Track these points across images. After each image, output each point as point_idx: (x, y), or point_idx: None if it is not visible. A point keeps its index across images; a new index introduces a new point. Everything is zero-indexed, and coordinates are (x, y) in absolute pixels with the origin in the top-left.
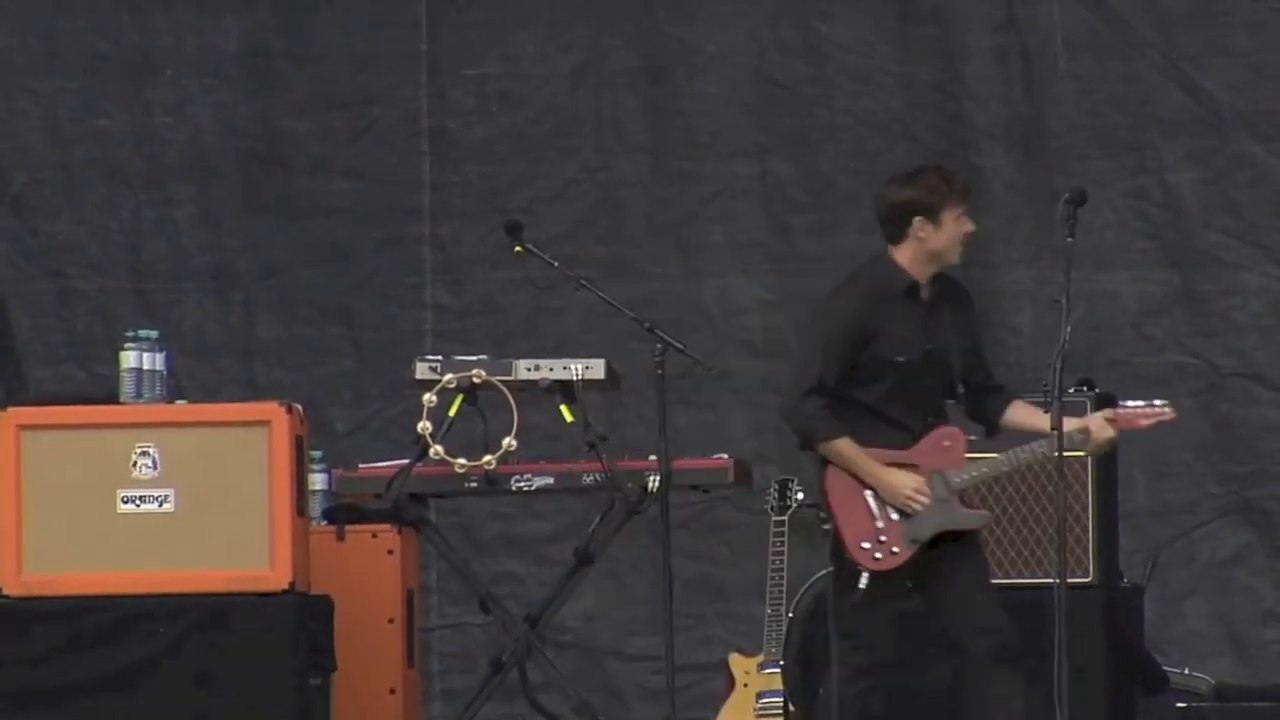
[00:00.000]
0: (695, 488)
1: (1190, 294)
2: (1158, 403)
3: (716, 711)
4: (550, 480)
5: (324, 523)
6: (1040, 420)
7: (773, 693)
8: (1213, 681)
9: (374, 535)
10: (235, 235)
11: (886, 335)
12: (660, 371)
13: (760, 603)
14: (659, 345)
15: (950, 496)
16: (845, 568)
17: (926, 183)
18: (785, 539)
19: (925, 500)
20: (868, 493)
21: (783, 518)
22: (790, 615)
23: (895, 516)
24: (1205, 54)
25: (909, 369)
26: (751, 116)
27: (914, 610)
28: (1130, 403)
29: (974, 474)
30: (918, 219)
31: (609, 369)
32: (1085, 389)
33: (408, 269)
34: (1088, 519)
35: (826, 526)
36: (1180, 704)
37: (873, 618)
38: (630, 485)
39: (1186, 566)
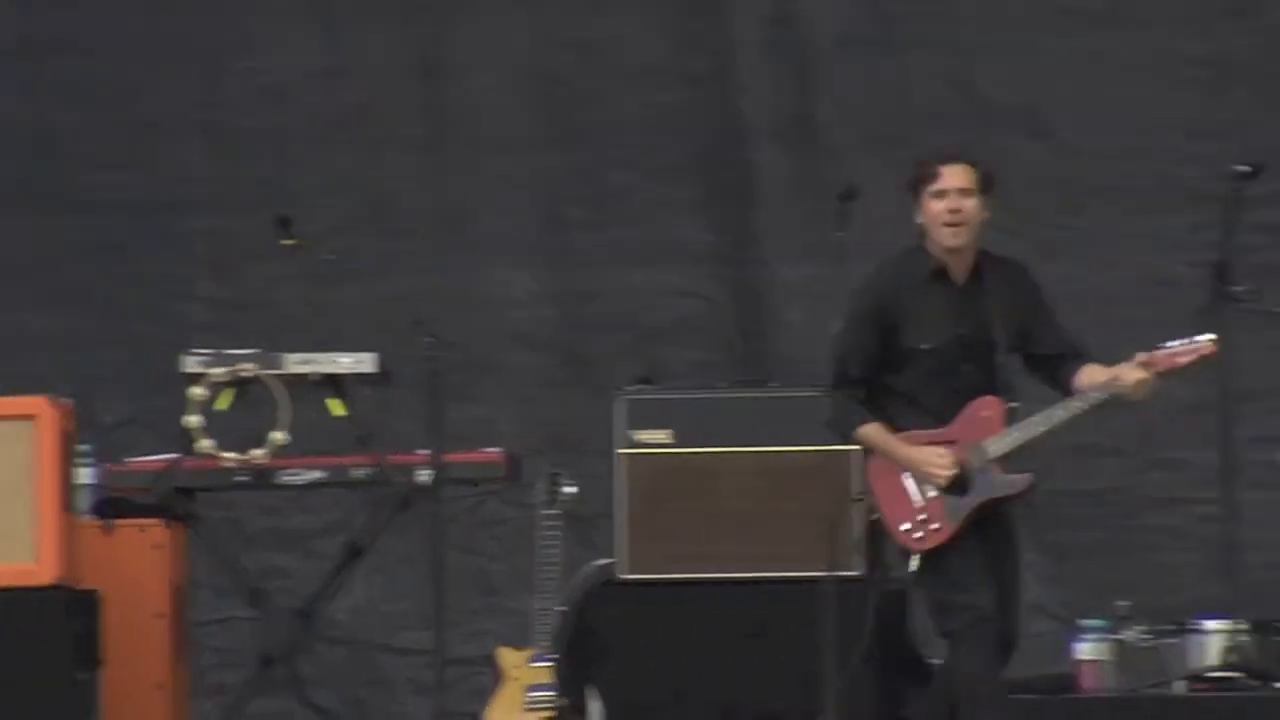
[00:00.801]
0: (466, 481)
1: None
2: (1199, 339)
3: (486, 705)
4: (320, 474)
5: (92, 517)
6: (1103, 376)
7: (542, 686)
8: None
9: (142, 530)
10: (4, 227)
11: (912, 323)
12: (432, 366)
13: (530, 596)
14: (430, 339)
15: (989, 466)
16: (894, 553)
17: (915, 165)
18: (555, 532)
19: (946, 469)
20: (905, 476)
21: (553, 511)
22: (560, 609)
23: (934, 494)
24: (976, 49)
25: (940, 355)
26: (525, 111)
27: None
28: (1170, 342)
29: (1010, 439)
30: (915, 203)
31: (379, 363)
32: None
33: (179, 262)
34: (851, 515)
35: (874, 516)
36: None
37: (954, 583)
38: (401, 479)
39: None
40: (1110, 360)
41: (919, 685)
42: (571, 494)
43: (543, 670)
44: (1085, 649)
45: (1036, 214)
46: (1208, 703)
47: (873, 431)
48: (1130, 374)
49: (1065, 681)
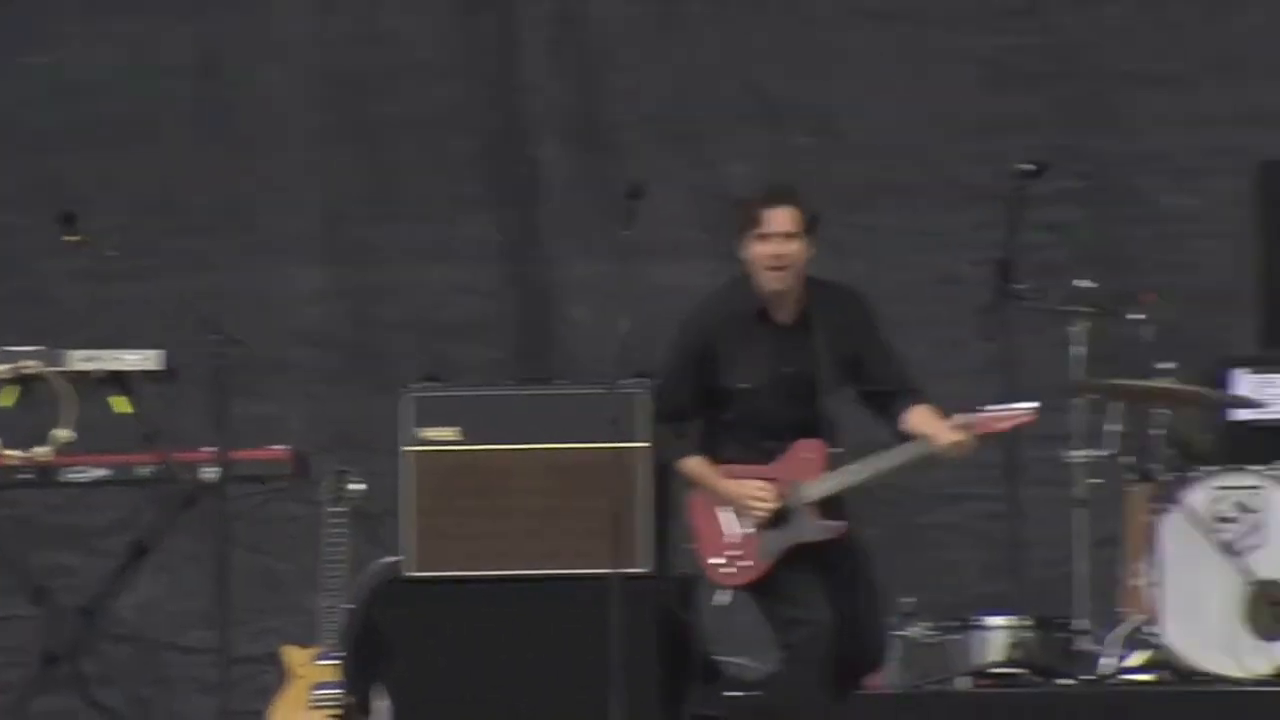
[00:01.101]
0: (252, 479)
1: None
2: (1019, 406)
3: (271, 703)
4: (106, 472)
5: None
6: (928, 426)
7: (328, 684)
8: (764, 670)
9: None
10: None
11: (732, 363)
12: (218, 362)
13: (316, 594)
14: (217, 336)
15: (805, 509)
16: (706, 584)
17: (740, 206)
18: (342, 530)
19: (766, 504)
20: (721, 510)
21: (339, 508)
22: (346, 607)
23: (749, 530)
24: (763, 48)
25: (760, 395)
26: (313, 107)
27: None
28: (991, 407)
29: (827, 485)
30: (739, 243)
31: (165, 360)
32: (643, 380)
33: None
34: (644, 509)
35: (692, 547)
36: (730, 693)
37: (782, 602)
38: (187, 477)
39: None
40: (937, 393)
41: (705, 683)
42: (359, 491)
43: (329, 668)
44: None
45: (823, 213)
46: (991, 698)
47: (694, 465)
48: (947, 435)
49: None
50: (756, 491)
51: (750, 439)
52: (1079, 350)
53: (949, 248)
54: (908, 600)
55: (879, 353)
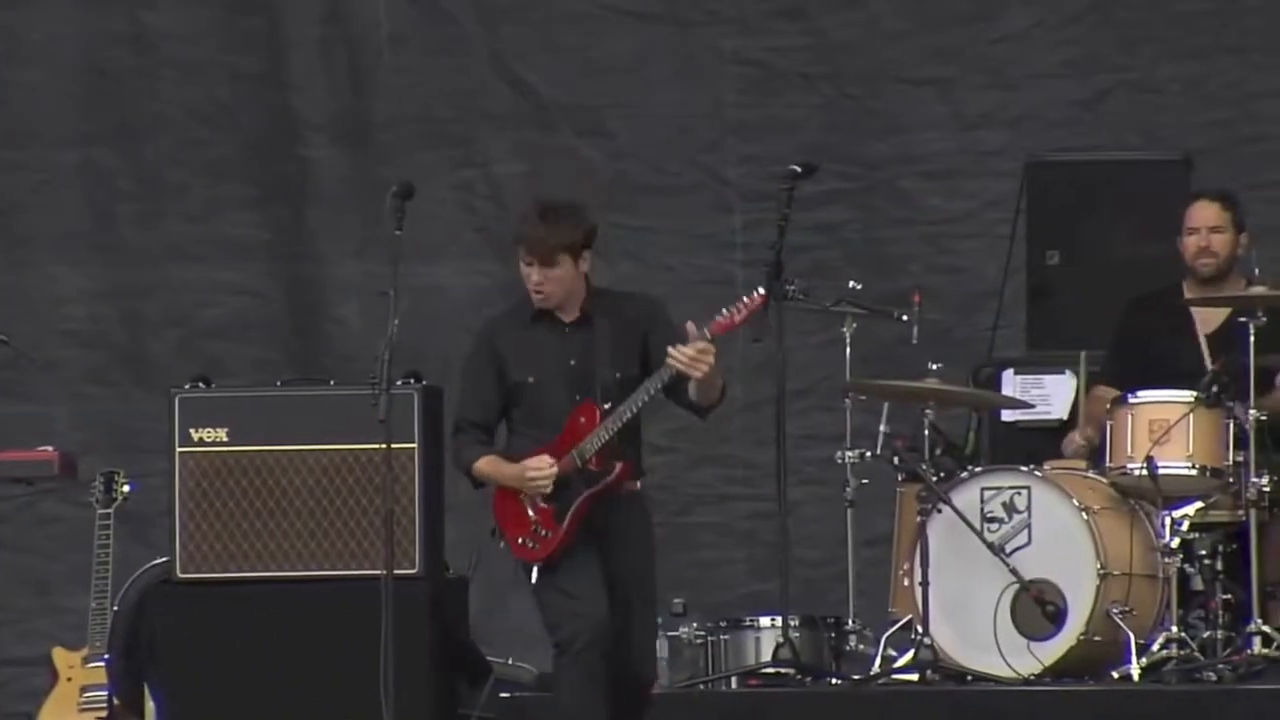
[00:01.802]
0: (19, 480)
1: (518, 286)
2: (747, 297)
3: (40, 705)
4: None
5: None
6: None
7: (97, 686)
8: (536, 671)
9: None
10: None
11: (518, 359)
12: None
13: (85, 596)
14: None
15: (587, 464)
16: (525, 569)
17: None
18: (111, 532)
19: (544, 471)
20: (521, 496)
21: (108, 510)
22: (115, 608)
23: (544, 504)
24: (530, 48)
25: (547, 388)
26: (76, 105)
27: None
28: (724, 310)
29: (599, 437)
30: None
31: None
32: (413, 381)
33: None
34: (415, 510)
35: (502, 544)
36: (503, 694)
37: (558, 597)
38: None
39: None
40: None
41: (477, 682)
42: (127, 493)
43: (98, 671)
44: None
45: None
46: (761, 698)
47: (483, 464)
48: (683, 350)
49: None
50: (532, 467)
51: (540, 435)
52: (848, 351)
53: (718, 248)
54: (677, 600)
55: (664, 340)
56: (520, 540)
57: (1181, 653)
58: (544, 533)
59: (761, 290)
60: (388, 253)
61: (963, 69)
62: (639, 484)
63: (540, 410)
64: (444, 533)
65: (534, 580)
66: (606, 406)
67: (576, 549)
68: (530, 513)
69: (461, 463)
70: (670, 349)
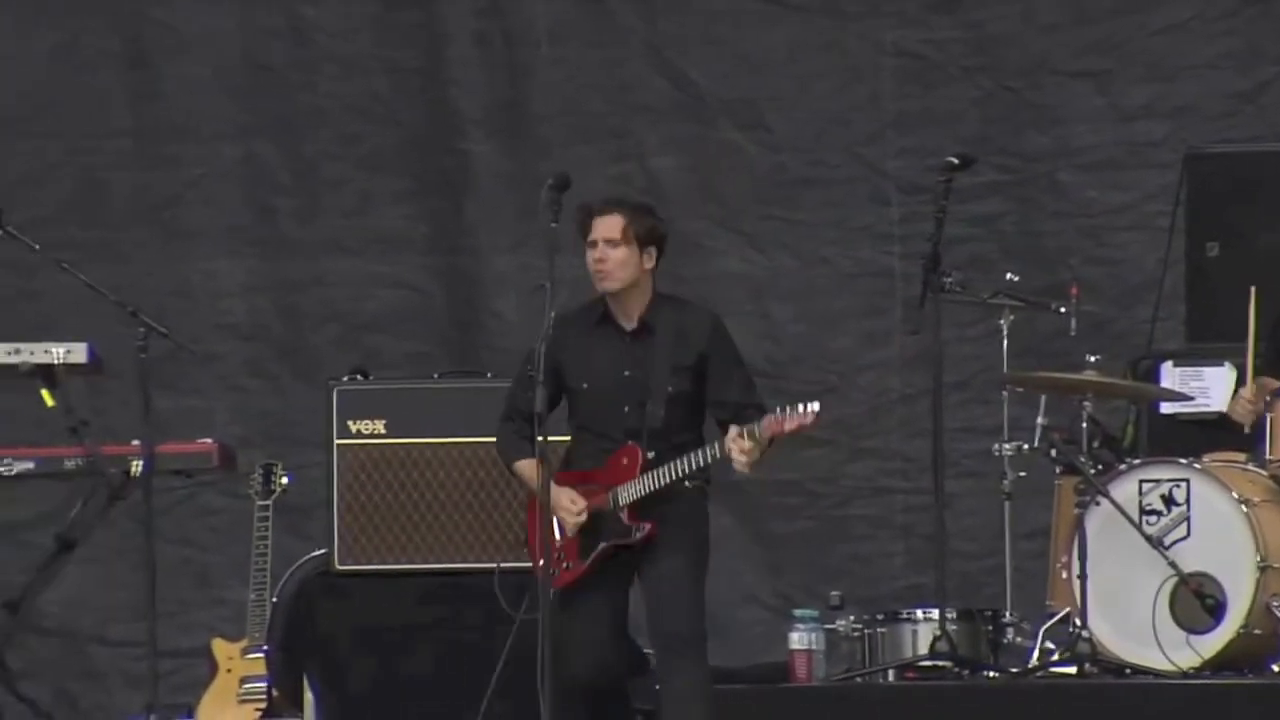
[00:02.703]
0: (179, 472)
1: (673, 279)
2: (803, 407)
3: (200, 697)
4: (31, 465)
5: None
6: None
7: (256, 677)
8: None
9: None
10: None
11: (575, 364)
12: (143, 355)
13: (244, 588)
14: (141, 329)
15: (618, 513)
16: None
17: (576, 211)
18: (269, 524)
19: (574, 514)
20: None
21: (267, 502)
22: (274, 600)
23: (571, 535)
24: (687, 42)
25: (599, 397)
26: (235, 99)
27: None
28: (779, 410)
29: (637, 488)
30: None
31: (92, 352)
32: None
33: None
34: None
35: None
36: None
37: (569, 630)
38: (113, 470)
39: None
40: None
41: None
42: (285, 485)
43: (257, 662)
44: (797, 638)
45: (748, 207)
46: (917, 691)
47: (525, 467)
48: (730, 441)
49: (778, 671)
50: (566, 501)
51: (592, 442)
52: (1005, 343)
53: (875, 240)
54: (834, 593)
55: (723, 365)
56: (541, 562)
57: None
58: (565, 563)
59: (816, 407)
60: (544, 246)
61: (1121, 61)
62: (689, 485)
63: (594, 417)
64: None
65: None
66: (651, 455)
67: (595, 584)
68: (557, 535)
69: (506, 455)
70: (733, 439)
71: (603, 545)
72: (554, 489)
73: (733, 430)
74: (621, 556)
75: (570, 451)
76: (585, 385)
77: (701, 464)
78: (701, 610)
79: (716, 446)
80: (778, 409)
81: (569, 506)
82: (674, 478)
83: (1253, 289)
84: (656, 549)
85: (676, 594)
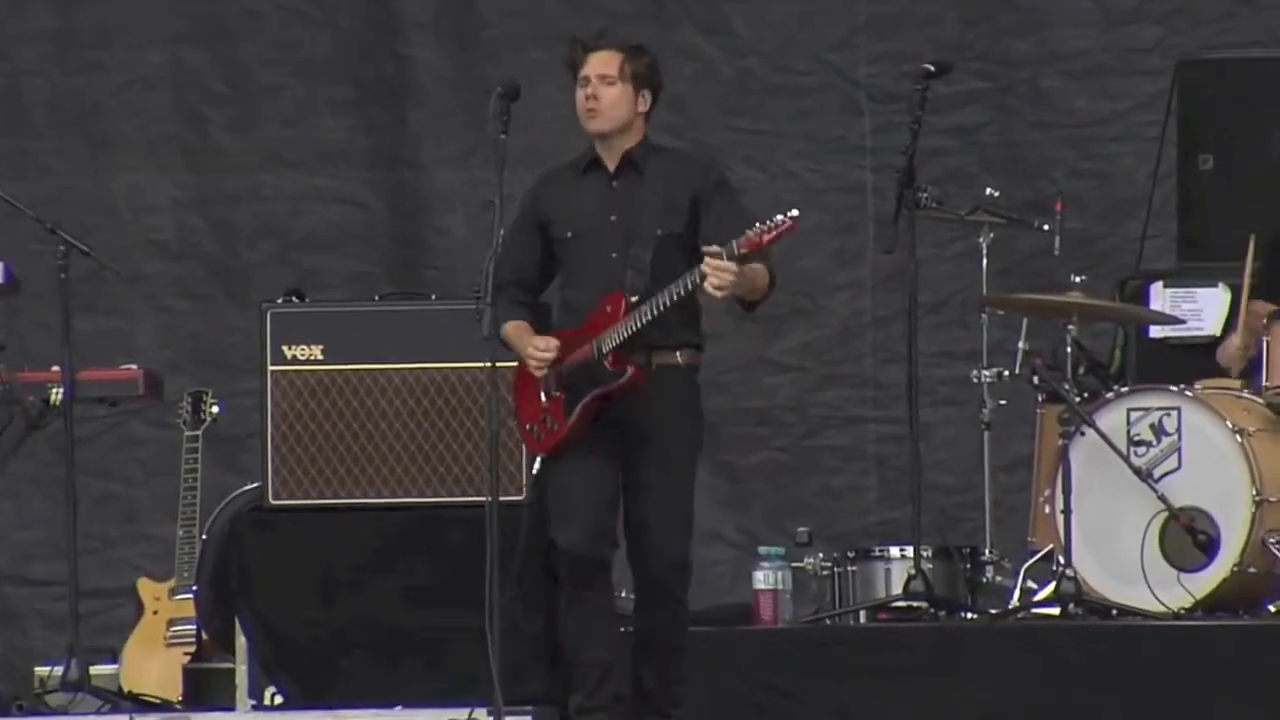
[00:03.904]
0: (102, 400)
1: None
2: (779, 217)
3: (125, 639)
4: None
5: None
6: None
7: (185, 619)
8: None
9: None
10: None
11: (560, 213)
12: (63, 275)
13: (172, 524)
14: (61, 247)
15: (602, 359)
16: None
17: (568, 46)
18: (199, 456)
19: (541, 356)
20: (538, 378)
21: (196, 432)
22: (204, 537)
23: (556, 392)
24: None
25: (585, 244)
26: (163, 2)
27: None
28: (757, 224)
29: (619, 333)
30: None
31: (7, 272)
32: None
33: None
34: (516, 437)
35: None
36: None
37: (560, 498)
38: (31, 399)
39: None
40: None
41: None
42: (216, 414)
43: (186, 603)
44: (762, 578)
45: (710, 117)
46: (891, 633)
47: (510, 329)
48: (705, 265)
49: (742, 613)
50: (535, 346)
51: (579, 298)
52: (985, 263)
53: (846, 153)
54: (802, 529)
55: (721, 205)
56: (529, 427)
57: None
58: (551, 424)
59: (795, 213)
60: (494, 159)
61: None
62: (680, 358)
63: (581, 268)
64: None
65: (535, 470)
66: (634, 299)
67: (587, 446)
68: (543, 398)
69: (494, 324)
70: (706, 259)
71: (587, 397)
72: (525, 339)
73: (707, 251)
74: (610, 428)
75: (561, 309)
76: (569, 234)
77: (682, 292)
78: (689, 528)
79: (697, 273)
80: (756, 222)
81: (539, 346)
82: (656, 312)
83: (1252, 238)
84: (645, 442)
85: (663, 510)
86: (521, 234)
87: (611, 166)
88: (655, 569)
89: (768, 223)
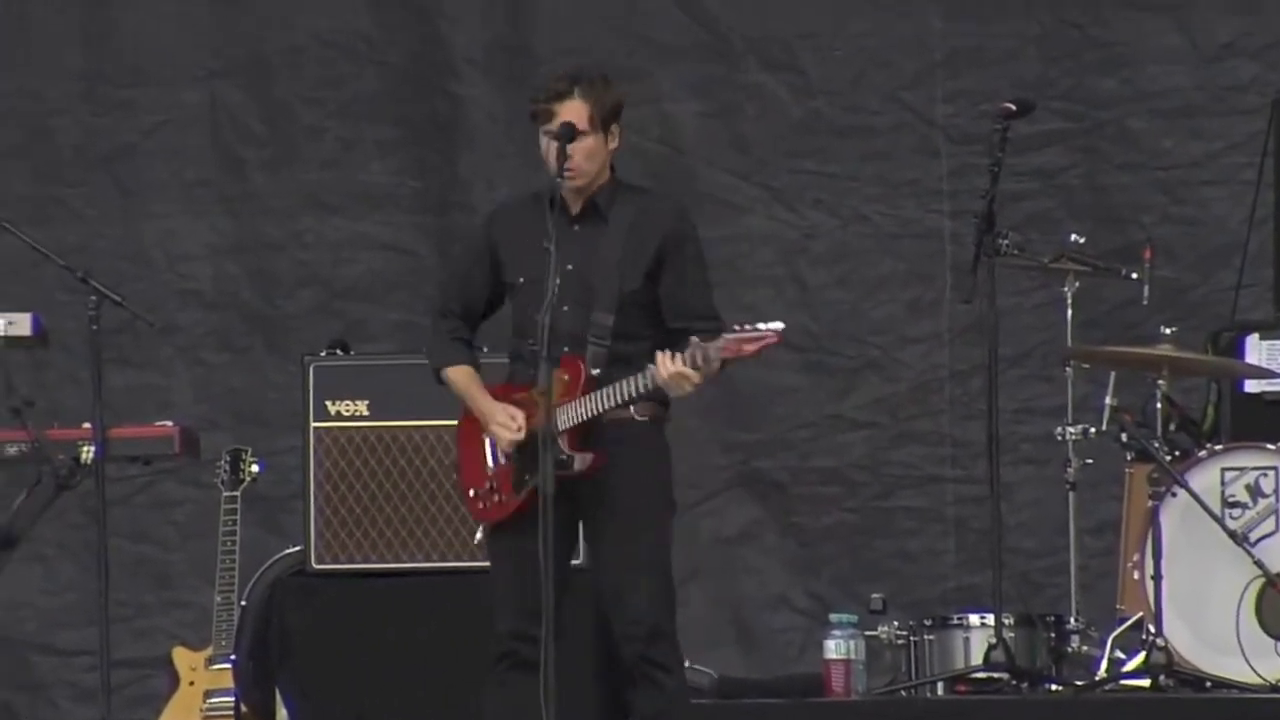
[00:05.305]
0: (136, 459)
1: None
2: (764, 326)
3: (159, 712)
4: None
5: None
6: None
7: (223, 690)
8: (715, 675)
9: None
10: None
11: (513, 254)
12: (94, 327)
13: (209, 589)
14: (93, 297)
15: (560, 436)
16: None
17: (531, 97)
18: (238, 517)
19: (512, 432)
20: (486, 436)
21: (235, 493)
22: (243, 603)
23: (504, 460)
24: None
25: (534, 292)
26: (198, 37)
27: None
28: (735, 328)
29: (577, 412)
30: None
31: (36, 323)
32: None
33: None
34: None
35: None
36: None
37: (497, 576)
38: (61, 457)
39: (688, 546)
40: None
41: None
42: (256, 473)
43: (224, 673)
44: (834, 647)
45: (778, 159)
46: (970, 706)
47: (458, 376)
48: (669, 366)
49: (812, 683)
50: (503, 416)
51: (524, 349)
52: (1069, 313)
53: (922, 197)
54: (876, 596)
55: (682, 261)
56: (472, 491)
57: None
58: (497, 496)
59: (779, 325)
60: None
61: None
62: (636, 412)
63: (529, 319)
64: None
65: (477, 538)
66: (595, 372)
67: (529, 524)
68: (489, 462)
69: (434, 358)
70: (660, 356)
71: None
72: (487, 402)
73: (691, 346)
74: (563, 491)
75: (510, 362)
76: (521, 279)
77: (648, 387)
78: (670, 593)
79: (647, 372)
80: (735, 326)
81: (505, 423)
82: (620, 401)
83: None
84: (604, 502)
85: (633, 569)
86: (474, 267)
87: (575, 209)
88: (628, 643)
89: (750, 331)
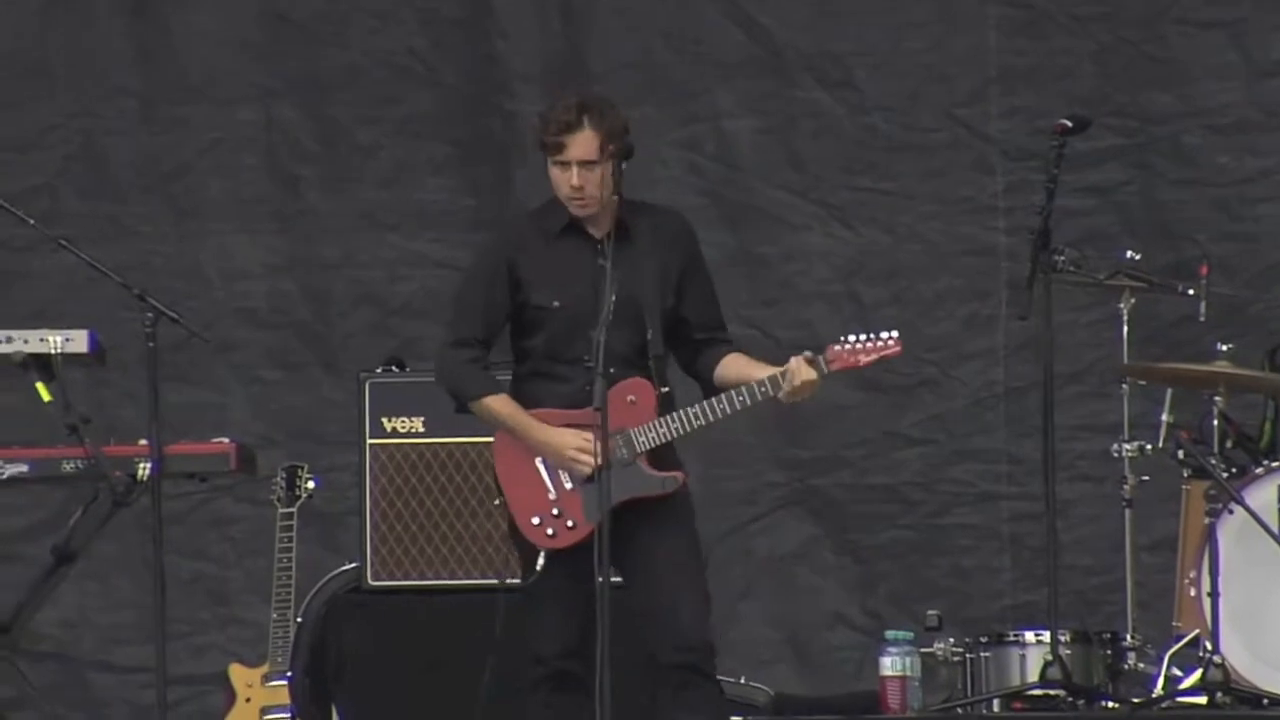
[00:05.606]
0: (192, 476)
1: (749, 257)
2: (884, 335)
3: None
4: (25, 468)
5: None
6: (758, 371)
7: (279, 707)
8: (771, 692)
9: None
10: None
11: (541, 279)
12: (151, 344)
13: (265, 606)
14: (149, 314)
15: (636, 458)
16: (525, 551)
17: (538, 126)
18: (294, 534)
19: (590, 459)
20: (539, 460)
21: (291, 509)
22: (299, 620)
23: (570, 486)
24: None
25: (573, 316)
26: (253, 55)
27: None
28: (850, 337)
29: (662, 431)
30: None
31: (93, 341)
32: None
33: None
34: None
35: (497, 502)
36: (735, 716)
37: (547, 606)
38: (118, 474)
39: (743, 563)
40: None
41: None
42: (312, 490)
43: (280, 690)
44: (890, 664)
45: (833, 176)
46: None
47: (500, 405)
48: (800, 373)
49: (868, 700)
50: (578, 447)
51: (559, 372)
52: (1125, 330)
53: (977, 213)
54: (931, 612)
55: (701, 288)
56: (536, 520)
57: None
58: (569, 522)
59: (896, 334)
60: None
61: (1257, 8)
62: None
63: (569, 343)
64: None
65: (538, 567)
66: (664, 390)
67: (586, 545)
68: (551, 490)
69: (469, 387)
70: (796, 363)
71: (625, 498)
72: (545, 430)
73: (805, 354)
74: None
75: (521, 384)
76: (557, 303)
77: (755, 399)
78: (708, 608)
79: (769, 382)
80: (844, 337)
81: (583, 446)
82: (708, 421)
83: None
84: (652, 520)
85: (690, 586)
86: (495, 292)
87: (598, 232)
88: (680, 655)
89: (869, 340)
